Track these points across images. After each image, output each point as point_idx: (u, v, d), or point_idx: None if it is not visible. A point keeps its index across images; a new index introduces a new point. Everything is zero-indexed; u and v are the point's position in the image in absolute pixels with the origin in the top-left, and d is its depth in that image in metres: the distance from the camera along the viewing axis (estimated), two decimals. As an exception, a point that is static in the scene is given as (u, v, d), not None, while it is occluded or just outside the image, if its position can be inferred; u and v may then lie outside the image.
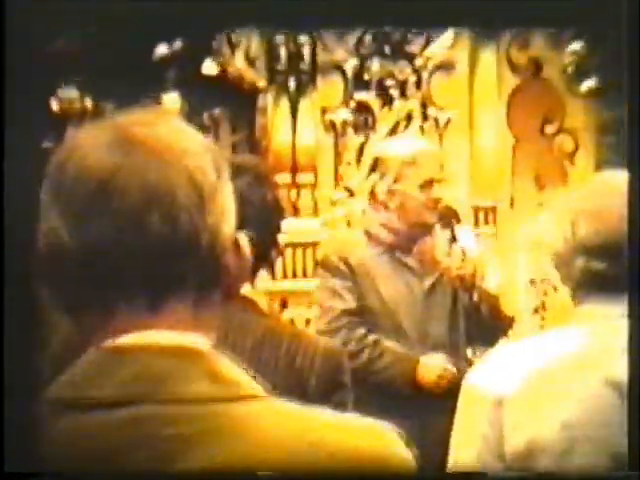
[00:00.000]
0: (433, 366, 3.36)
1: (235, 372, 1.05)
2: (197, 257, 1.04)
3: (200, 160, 1.06)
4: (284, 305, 4.94)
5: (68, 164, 1.04)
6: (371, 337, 3.35)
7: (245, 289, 2.21)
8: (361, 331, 3.36)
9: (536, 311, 5.21)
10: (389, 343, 3.37)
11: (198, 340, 1.05)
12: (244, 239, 1.11)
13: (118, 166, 1.02)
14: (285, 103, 4.99)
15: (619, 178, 1.91)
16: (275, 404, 1.04)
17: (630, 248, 1.73)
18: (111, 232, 1.01)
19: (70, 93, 4.64)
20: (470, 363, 3.66)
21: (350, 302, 3.36)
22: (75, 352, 1.02)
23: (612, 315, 1.78)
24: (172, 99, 4.84)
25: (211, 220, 1.04)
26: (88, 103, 4.68)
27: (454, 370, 3.36)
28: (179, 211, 1.02)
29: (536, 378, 1.74)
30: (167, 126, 1.07)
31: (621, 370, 1.73)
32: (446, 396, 3.07)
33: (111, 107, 4.64)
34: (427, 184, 3.39)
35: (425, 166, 3.41)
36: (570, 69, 5.20)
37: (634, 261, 1.72)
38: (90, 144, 1.04)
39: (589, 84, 5.19)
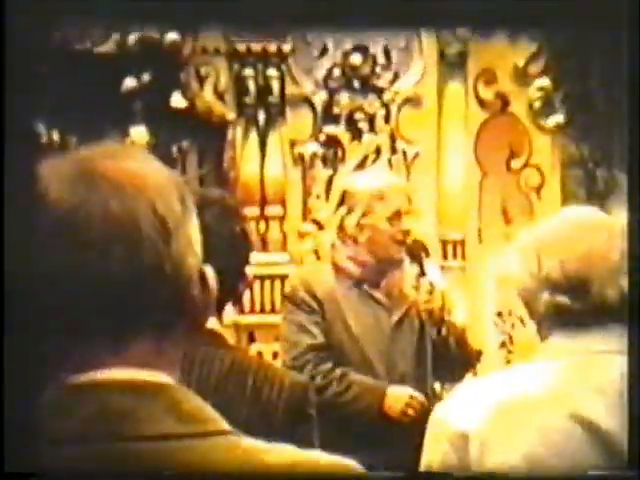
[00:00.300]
0: (400, 395, 3.35)
1: (200, 408, 1.04)
2: (162, 291, 1.03)
3: (165, 193, 1.05)
4: (252, 338, 4.92)
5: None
6: (338, 371, 3.34)
7: (212, 322, 2.20)
8: (328, 365, 3.35)
9: (503, 345, 5.22)
10: (356, 376, 3.36)
11: (162, 376, 1.04)
12: (210, 272, 1.10)
13: (82, 199, 1.01)
14: (254, 136, 5.00)
15: (584, 213, 1.92)
16: (240, 440, 1.03)
17: (630, 282, 1.74)
18: (74, 266, 1.00)
19: (37, 126, 4.63)
20: (437, 396, 3.66)
21: (318, 337, 3.35)
22: (36, 389, 1.00)
23: (577, 350, 1.79)
24: (140, 132, 4.83)
25: (176, 253, 1.04)
26: (55, 136, 4.66)
27: (421, 398, 3.36)
28: (143, 244, 1.02)
29: (502, 413, 1.74)
30: (131, 159, 1.06)
31: (586, 405, 1.73)
32: (413, 428, 3.07)
33: (78, 140, 4.63)
34: (395, 216, 3.40)
35: (393, 199, 3.42)
36: (537, 104, 5.24)
37: (633, 294, 1.73)
38: (54, 177, 1.03)
39: (555, 119, 5.24)
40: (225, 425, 1.03)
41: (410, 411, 3.33)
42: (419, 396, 3.36)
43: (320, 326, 3.36)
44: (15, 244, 1.00)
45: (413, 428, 3.08)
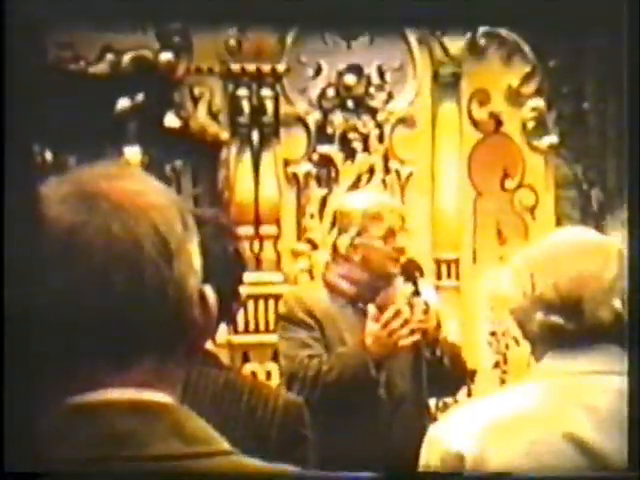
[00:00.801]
0: (373, 321, 3.26)
1: (202, 428, 1.03)
2: (163, 312, 1.02)
3: (166, 213, 1.05)
4: (246, 358, 4.91)
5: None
6: (325, 356, 3.32)
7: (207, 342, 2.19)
8: (315, 360, 3.31)
9: (497, 365, 5.21)
10: (338, 350, 3.33)
11: (164, 396, 1.03)
12: (210, 292, 1.09)
13: (83, 220, 1.01)
14: (248, 156, 5.00)
15: (578, 233, 1.93)
16: (241, 460, 1.03)
17: (630, 304, 1.74)
18: (76, 287, 1.00)
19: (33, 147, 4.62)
20: (432, 415, 3.65)
21: (317, 349, 3.35)
22: (37, 411, 1.00)
23: (571, 371, 1.79)
24: (133, 152, 4.83)
25: (177, 274, 1.03)
26: (48, 156, 4.66)
27: (397, 309, 3.25)
28: (145, 265, 1.01)
29: (496, 434, 1.74)
30: (132, 179, 1.06)
31: (581, 426, 1.73)
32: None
33: (72, 160, 4.62)
34: (389, 234, 3.40)
35: (386, 218, 3.42)
36: (530, 124, 5.26)
37: (633, 317, 1.73)
38: (55, 198, 1.03)
39: (549, 140, 5.25)
40: (227, 445, 1.03)
41: (394, 327, 3.22)
42: (392, 310, 3.27)
43: (321, 342, 3.35)
44: (16, 265, 1.00)
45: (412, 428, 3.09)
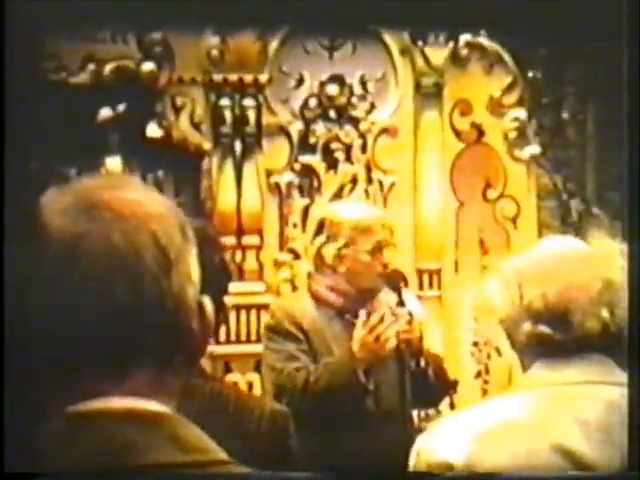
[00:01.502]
0: (360, 327, 3.27)
1: (199, 437, 1.04)
2: (161, 322, 1.03)
3: (166, 223, 1.05)
4: (228, 369, 4.90)
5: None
6: (312, 366, 3.31)
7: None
8: (302, 372, 3.31)
9: (479, 375, 5.22)
10: (325, 359, 3.33)
11: (161, 405, 1.03)
12: (208, 302, 1.10)
13: (83, 231, 1.01)
14: (230, 166, 5.00)
15: (565, 243, 1.93)
16: (239, 470, 1.03)
17: (630, 316, 1.74)
18: (76, 297, 1.00)
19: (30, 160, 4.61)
20: (417, 425, 3.65)
21: (305, 362, 3.34)
22: (37, 419, 1.00)
23: (559, 381, 1.79)
24: (115, 162, 4.82)
25: (176, 284, 1.04)
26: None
27: (381, 314, 3.27)
28: (145, 275, 1.02)
29: (485, 444, 1.74)
30: (132, 190, 1.06)
31: (569, 436, 1.73)
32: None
33: (54, 171, 4.61)
34: (377, 248, 3.39)
35: (377, 232, 3.41)
36: (511, 135, 5.27)
37: (633, 330, 1.73)
38: (54, 208, 1.02)
39: (530, 150, 5.27)
40: (224, 455, 1.03)
41: (380, 330, 3.23)
42: (377, 315, 3.27)
43: (308, 354, 3.35)
44: (16, 274, 1.00)
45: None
